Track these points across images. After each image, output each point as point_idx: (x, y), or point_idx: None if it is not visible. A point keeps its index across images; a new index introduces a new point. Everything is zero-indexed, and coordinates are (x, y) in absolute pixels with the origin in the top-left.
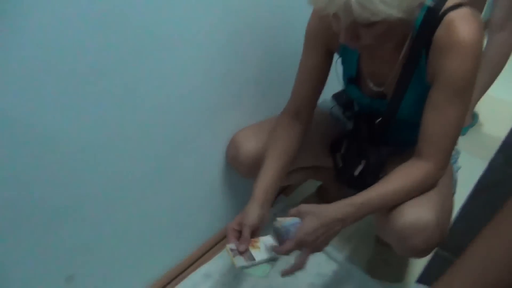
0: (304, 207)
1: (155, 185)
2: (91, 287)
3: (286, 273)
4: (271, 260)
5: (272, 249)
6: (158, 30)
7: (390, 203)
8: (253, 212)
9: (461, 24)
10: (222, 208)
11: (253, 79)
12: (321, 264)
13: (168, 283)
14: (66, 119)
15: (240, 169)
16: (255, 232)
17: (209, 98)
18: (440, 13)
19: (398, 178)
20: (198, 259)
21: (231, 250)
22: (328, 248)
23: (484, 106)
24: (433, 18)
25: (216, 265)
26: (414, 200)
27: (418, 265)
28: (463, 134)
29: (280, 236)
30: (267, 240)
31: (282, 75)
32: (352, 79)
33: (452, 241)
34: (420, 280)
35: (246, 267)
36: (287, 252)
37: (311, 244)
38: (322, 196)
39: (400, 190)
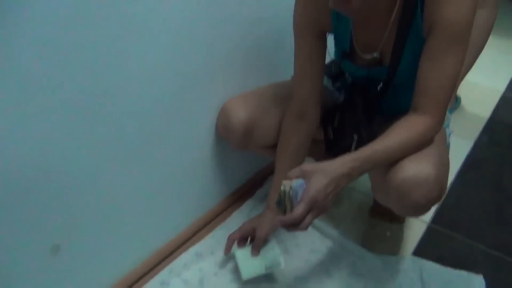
0: (307, 166)
1: (142, 158)
2: (78, 259)
3: (285, 224)
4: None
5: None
6: None
7: (393, 157)
8: (267, 223)
9: None
10: (213, 184)
11: (242, 46)
12: (315, 242)
13: (159, 263)
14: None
15: (231, 139)
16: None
17: (196, 63)
18: None
19: (400, 132)
20: (189, 239)
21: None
22: (321, 224)
23: (465, 91)
24: None
25: (208, 244)
26: (412, 155)
27: (413, 238)
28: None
29: (290, 201)
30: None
31: (272, 44)
32: (346, 53)
33: (444, 216)
34: (416, 252)
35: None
36: (301, 217)
37: (322, 203)
38: None
39: (403, 144)
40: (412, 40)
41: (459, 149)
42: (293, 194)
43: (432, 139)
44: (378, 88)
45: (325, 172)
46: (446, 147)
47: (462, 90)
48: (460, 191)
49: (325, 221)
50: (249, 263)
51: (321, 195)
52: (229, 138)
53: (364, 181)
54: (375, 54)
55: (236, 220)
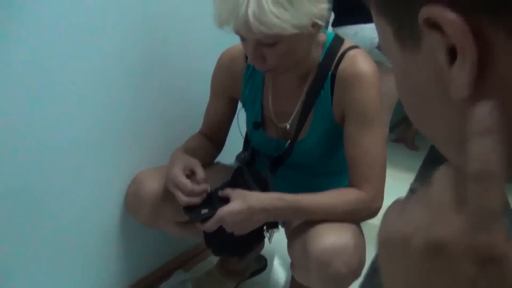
0: (239, 190)
1: (32, 230)
2: None
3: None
4: None
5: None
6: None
7: (318, 214)
8: (185, 158)
9: (362, 58)
10: (113, 271)
11: (155, 118)
12: None
13: None
14: None
15: (141, 210)
16: None
17: (107, 136)
18: (341, 52)
19: (333, 195)
20: None
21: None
22: None
23: None
24: (333, 55)
25: None
26: (330, 225)
27: None
28: None
29: None
30: None
31: (191, 121)
32: (257, 123)
33: None
34: None
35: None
36: (208, 229)
37: (229, 225)
38: (224, 269)
39: (332, 206)
40: (319, 121)
41: None
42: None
43: (369, 213)
44: (273, 158)
45: (244, 200)
46: (360, 226)
47: None
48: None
49: None
50: None
51: (230, 219)
52: (138, 209)
53: None
54: (286, 125)
55: None
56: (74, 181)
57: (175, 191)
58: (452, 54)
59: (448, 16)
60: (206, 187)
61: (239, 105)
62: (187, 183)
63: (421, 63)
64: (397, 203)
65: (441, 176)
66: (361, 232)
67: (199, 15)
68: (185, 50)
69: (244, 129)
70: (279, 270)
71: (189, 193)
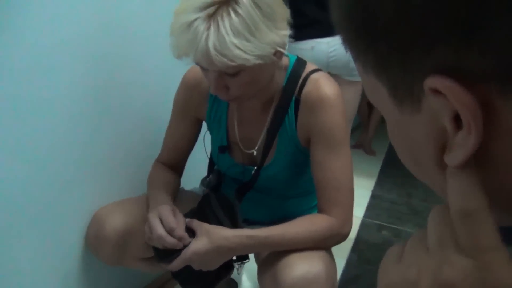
0: (205, 225)
1: None
2: None
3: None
4: None
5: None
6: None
7: (290, 247)
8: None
9: (326, 82)
10: None
11: (113, 151)
12: None
13: None
14: None
15: (103, 250)
16: None
17: (62, 173)
18: (304, 75)
19: (302, 224)
20: None
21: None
22: None
23: None
24: (297, 79)
25: None
26: (301, 254)
27: None
28: None
29: None
30: None
31: (145, 153)
32: (223, 147)
33: None
34: None
35: None
36: (175, 269)
37: (197, 265)
38: None
39: (303, 237)
40: (285, 146)
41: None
42: None
43: (340, 238)
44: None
45: (213, 239)
46: (330, 251)
47: None
48: None
49: None
50: None
51: (197, 258)
52: (101, 249)
53: None
54: (253, 151)
55: None
56: (28, 221)
57: (156, 226)
58: (456, 120)
59: (461, 96)
60: (185, 243)
61: (204, 126)
62: (173, 222)
63: (421, 122)
64: (392, 250)
65: (436, 216)
66: (332, 259)
67: (158, 37)
68: (141, 76)
69: (209, 151)
70: None
71: (170, 233)
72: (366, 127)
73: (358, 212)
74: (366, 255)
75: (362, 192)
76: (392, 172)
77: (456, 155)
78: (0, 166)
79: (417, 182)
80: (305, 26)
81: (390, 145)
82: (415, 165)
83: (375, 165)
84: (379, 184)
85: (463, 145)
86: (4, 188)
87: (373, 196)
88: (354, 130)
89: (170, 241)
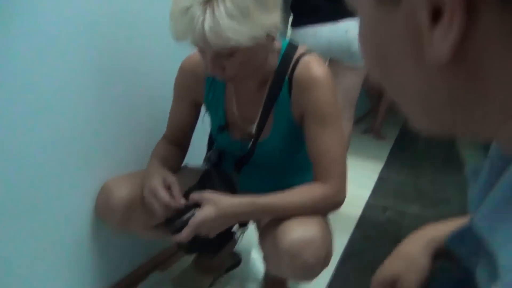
0: (207, 194)
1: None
2: None
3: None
4: None
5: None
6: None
7: (289, 212)
8: (164, 172)
9: (316, 63)
10: (90, 273)
11: (121, 125)
12: None
13: None
14: None
15: (111, 218)
16: None
17: (74, 147)
18: (295, 57)
19: (301, 193)
20: None
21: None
22: None
23: None
24: (289, 61)
25: None
26: (299, 220)
27: None
28: None
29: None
30: None
31: (152, 125)
32: (222, 127)
33: None
34: None
35: None
36: (185, 240)
37: (205, 232)
38: (199, 266)
39: (301, 203)
40: (280, 122)
41: (337, 243)
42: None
43: (334, 206)
44: (235, 161)
45: (218, 207)
46: (327, 219)
47: None
48: (343, 278)
49: None
50: None
51: (206, 225)
52: (109, 216)
53: None
54: (252, 128)
55: None
56: (42, 189)
57: (153, 201)
58: (434, 15)
59: None
60: (182, 205)
61: (203, 108)
62: (165, 196)
63: (396, 20)
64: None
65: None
66: (328, 224)
67: (162, 20)
68: (147, 55)
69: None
70: (254, 264)
71: (166, 207)
72: (375, 112)
73: (364, 193)
74: (369, 232)
75: (370, 174)
76: (401, 155)
77: (440, 47)
78: (16, 138)
79: (425, 165)
80: (307, 12)
81: (401, 130)
82: (385, 71)
83: (384, 149)
84: (387, 166)
85: (444, 37)
86: (19, 161)
87: (380, 179)
88: (364, 116)
89: (161, 193)
